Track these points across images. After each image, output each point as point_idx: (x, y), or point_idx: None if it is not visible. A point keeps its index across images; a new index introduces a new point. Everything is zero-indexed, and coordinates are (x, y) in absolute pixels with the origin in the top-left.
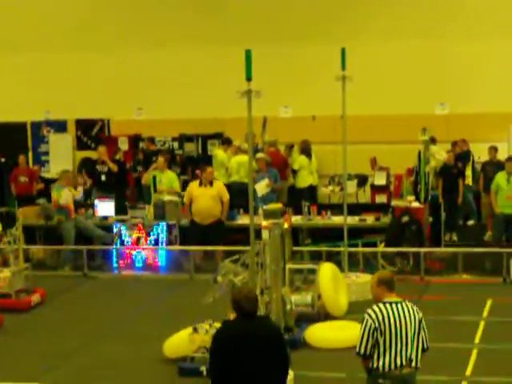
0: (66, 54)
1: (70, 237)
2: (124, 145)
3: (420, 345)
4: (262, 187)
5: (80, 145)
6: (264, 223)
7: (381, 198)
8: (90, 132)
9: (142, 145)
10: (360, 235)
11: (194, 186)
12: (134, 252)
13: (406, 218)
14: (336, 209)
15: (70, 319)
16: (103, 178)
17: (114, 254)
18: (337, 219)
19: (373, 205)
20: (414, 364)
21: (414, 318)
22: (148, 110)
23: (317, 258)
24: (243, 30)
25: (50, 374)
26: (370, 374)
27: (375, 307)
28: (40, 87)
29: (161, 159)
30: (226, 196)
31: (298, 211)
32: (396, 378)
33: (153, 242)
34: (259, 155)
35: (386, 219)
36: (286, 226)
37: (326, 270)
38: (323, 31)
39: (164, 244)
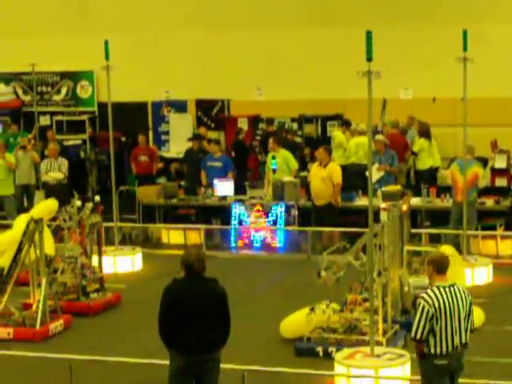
0: (186, 33)
1: None
2: (244, 125)
3: (469, 326)
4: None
5: (200, 125)
6: (383, 205)
7: (501, 182)
8: (210, 112)
9: (261, 125)
10: (479, 218)
11: (313, 166)
12: (252, 232)
13: None
14: None
15: None
16: None
17: (233, 233)
18: None
19: (493, 188)
20: (466, 344)
21: (466, 301)
22: (267, 90)
23: (435, 240)
24: (365, 10)
25: (165, 351)
26: (424, 357)
27: (430, 292)
28: (161, 67)
29: (270, 140)
30: (338, 179)
31: (417, 193)
32: (451, 357)
33: (271, 222)
34: (378, 137)
35: (506, 203)
36: (404, 208)
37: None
38: (445, 12)
39: (282, 224)
